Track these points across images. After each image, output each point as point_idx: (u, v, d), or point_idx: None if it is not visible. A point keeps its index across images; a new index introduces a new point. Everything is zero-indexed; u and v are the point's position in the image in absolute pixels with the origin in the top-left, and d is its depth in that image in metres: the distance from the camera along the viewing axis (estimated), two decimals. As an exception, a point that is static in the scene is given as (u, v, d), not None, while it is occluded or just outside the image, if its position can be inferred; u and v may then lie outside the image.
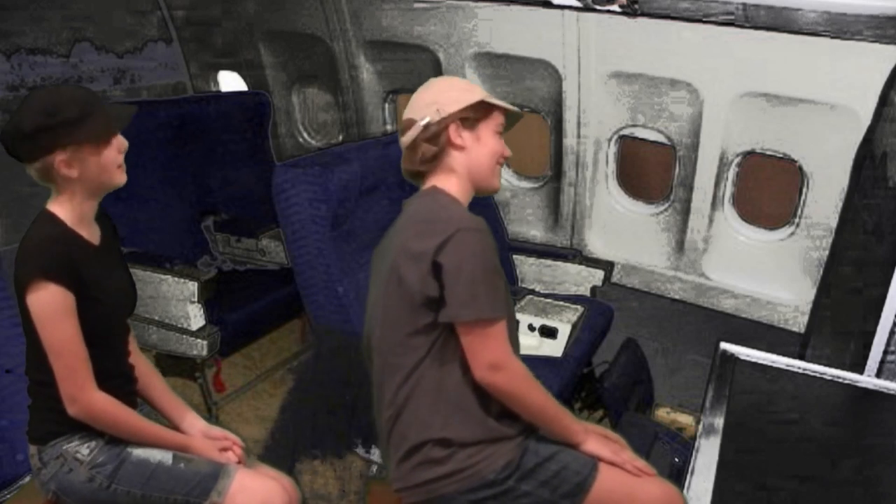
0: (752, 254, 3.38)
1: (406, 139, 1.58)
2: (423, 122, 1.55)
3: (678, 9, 2.82)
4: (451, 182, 1.59)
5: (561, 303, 3.01)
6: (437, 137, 1.55)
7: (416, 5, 3.56)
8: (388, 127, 4.23)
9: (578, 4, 2.99)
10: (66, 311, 1.45)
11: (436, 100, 1.56)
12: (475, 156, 1.58)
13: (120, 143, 1.54)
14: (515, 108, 1.65)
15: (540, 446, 1.55)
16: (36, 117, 1.45)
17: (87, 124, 1.48)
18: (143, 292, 2.78)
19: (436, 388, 1.48)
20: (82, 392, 1.47)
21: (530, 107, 3.67)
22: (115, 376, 1.61)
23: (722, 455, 1.66)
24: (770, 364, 2.12)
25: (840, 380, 2.07)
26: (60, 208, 1.53)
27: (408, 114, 1.59)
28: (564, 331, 2.78)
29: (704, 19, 2.81)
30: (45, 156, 1.46)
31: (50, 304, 1.43)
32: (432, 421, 1.49)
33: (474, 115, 1.57)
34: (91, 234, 1.60)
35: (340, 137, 4.46)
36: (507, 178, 3.93)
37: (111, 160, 1.53)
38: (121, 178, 1.56)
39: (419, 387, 1.49)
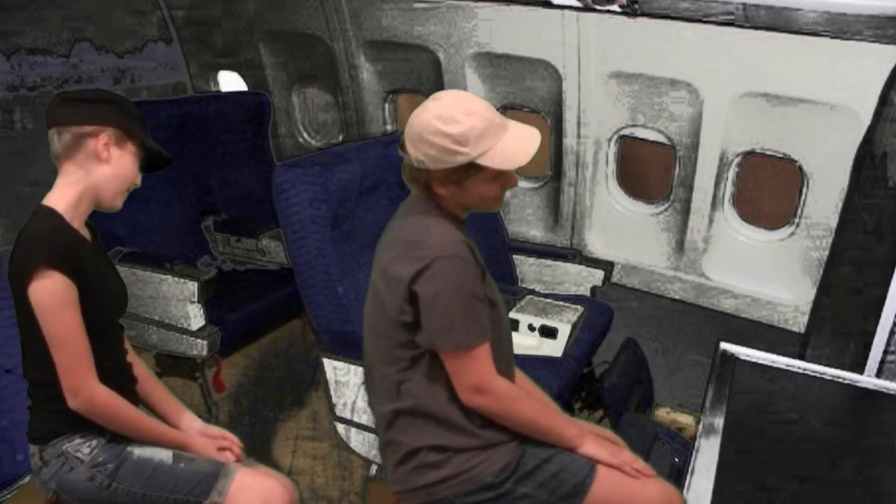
0: (752, 254, 3.38)
1: (404, 157, 1.49)
2: (407, 162, 1.46)
3: (678, 9, 2.82)
4: (444, 202, 1.50)
5: (561, 303, 3.00)
6: (424, 179, 1.46)
7: (416, 5, 3.56)
8: (388, 127, 4.23)
9: (578, 4, 2.99)
10: (70, 301, 1.44)
11: (425, 149, 1.41)
12: (462, 199, 1.48)
13: (138, 176, 1.62)
14: (514, 165, 1.42)
15: (537, 449, 1.54)
16: (110, 94, 1.58)
17: (142, 128, 1.59)
18: (143, 292, 2.79)
19: (426, 399, 1.48)
20: (84, 384, 1.47)
21: (530, 107, 3.67)
22: (115, 373, 1.61)
23: (722, 455, 1.66)
24: (770, 364, 2.12)
25: (840, 380, 2.06)
26: (58, 204, 1.53)
27: (406, 134, 1.46)
28: (564, 331, 2.78)
29: (704, 19, 2.81)
30: (92, 124, 1.51)
31: (54, 293, 1.43)
32: (426, 429, 1.49)
33: (461, 172, 1.42)
34: (85, 233, 1.60)
35: (340, 137, 4.46)
36: (507, 178, 3.93)
37: (131, 176, 1.59)
38: (119, 203, 1.61)
39: (409, 398, 1.49)
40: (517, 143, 1.42)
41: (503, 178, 1.46)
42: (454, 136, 1.38)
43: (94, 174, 1.53)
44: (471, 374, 1.43)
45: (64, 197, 1.53)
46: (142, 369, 1.76)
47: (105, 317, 1.58)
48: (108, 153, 1.52)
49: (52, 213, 1.51)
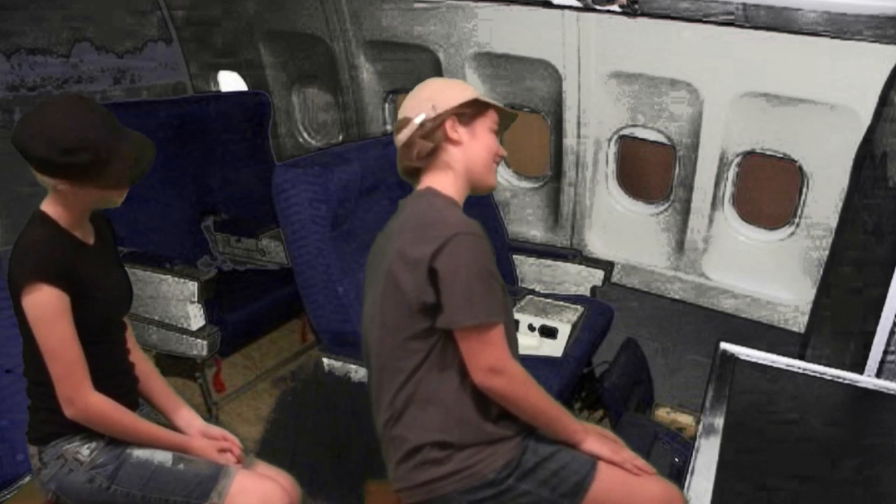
0: (752, 254, 3.38)
1: (402, 137, 1.58)
2: (419, 120, 1.56)
3: (678, 9, 2.82)
4: (446, 181, 1.58)
5: (561, 303, 3.01)
6: (433, 133, 1.56)
7: (416, 5, 3.56)
8: (388, 127, 4.23)
9: (578, 4, 2.99)
10: (61, 313, 1.44)
11: (432, 97, 1.57)
12: (471, 151, 1.59)
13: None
14: (509, 110, 1.67)
15: (539, 446, 1.55)
16: (48, 149, 1.39)
17: (100, 174, 1.44)
18: (143, 292, 2.79)
19: (434, 392, 1.49)
20: (78, 394, 1.47)
21: (530, 107, 3.67)
22: (115, 374, 1.61)
23: (722, 455, 1.66)
24: (770, 364, 2.12)
25: (840, 380, 2.07)
26: (54, 209, 1.52)
27: (403, 112, 1.60)
28: (564, 331, 2.78)
29: (704, 19, 2.81)
30: (52, 178, 1.45)
31: (45, 305, 1.43)
32: (431, 424, 1.49)
33: (470, 111, 1.59)
34: (85, 233, 1.59)
35: (340, 137, 4.46)
36: (507, 178, 3.93)
37: (113, 192, 1.52)
38: (119, 200, 1.55)
39: (417, 391, 1.49)
40: None
41: (497, 144, 1.63)
42: (460, 82, 1.66)
43: (76, 200, 1.51)
44: (487, 354, 1.44)
45: (59, 203, 1.52)
46: (145, 366, 1.76)
47: (104, 319, 1.58)
48: (74, 193, 1.48)
49: (46, 219, 1.51)
